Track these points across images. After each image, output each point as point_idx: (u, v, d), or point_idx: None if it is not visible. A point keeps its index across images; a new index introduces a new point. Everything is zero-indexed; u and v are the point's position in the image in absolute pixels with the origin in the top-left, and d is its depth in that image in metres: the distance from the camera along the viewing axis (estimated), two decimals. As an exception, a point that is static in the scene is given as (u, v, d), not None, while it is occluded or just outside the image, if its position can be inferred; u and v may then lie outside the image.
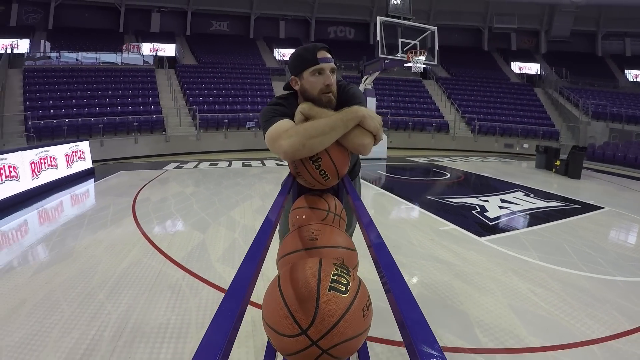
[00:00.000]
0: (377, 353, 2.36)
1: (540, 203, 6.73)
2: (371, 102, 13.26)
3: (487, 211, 6.00)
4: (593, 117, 19.30)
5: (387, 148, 14.29)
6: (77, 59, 19.07)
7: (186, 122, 15.72)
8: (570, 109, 20.64)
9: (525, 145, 18.00)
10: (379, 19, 11.10)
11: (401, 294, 0.63)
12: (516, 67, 27.44)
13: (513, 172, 10.86)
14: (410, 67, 12.60)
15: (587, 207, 6.63)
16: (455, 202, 6.74)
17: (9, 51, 18.09)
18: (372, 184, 8.75)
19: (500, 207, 6.29)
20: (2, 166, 6.18)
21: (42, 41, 20.11)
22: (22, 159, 6.86)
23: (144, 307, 2.90)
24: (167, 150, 14.48)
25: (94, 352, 2.32)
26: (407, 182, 9.35)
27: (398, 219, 5.84)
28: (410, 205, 6.60)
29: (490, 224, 5.34)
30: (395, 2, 11.11)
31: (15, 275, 3.48)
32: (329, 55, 1.52)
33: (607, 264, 3.95)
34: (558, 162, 10.79)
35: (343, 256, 1.19)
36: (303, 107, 1.44)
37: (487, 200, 6.80)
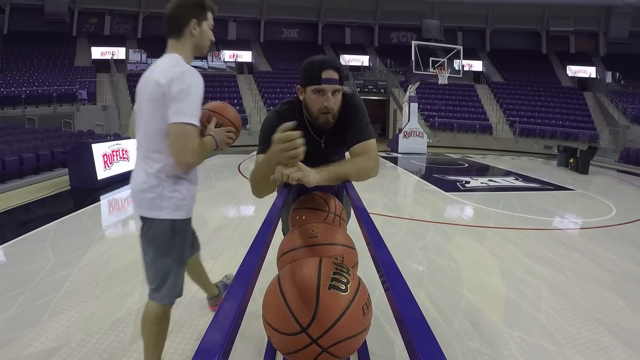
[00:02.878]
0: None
1: (519, 184, 8.54)
2: (414, 107, 16.14)
3: (468, 183, 8.53)
4: (634, 122, 19.87)
5: (433, 146, 17.36)
6: (168, 65, 23.52)
7: (265, 120, 19.40)
8: (613, 113, 21.32)
9: (564, 148, 19.31)
10: (414, 43, 13.97)
11: (400, 293, 0.63)
12: (572, 70, 27.72)
13: (529, 167, 12.16)
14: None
15: (558, 188, 7.97)
16: (451, 178, 9.30)
17: (108, 57, 23.12)
18: (403, 169, 11.48)
19: (482, 183, 8.62)
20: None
21: (139, 50, 24.42)
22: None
23: (263, 203, 6.14)
24: (250, 142, 18.13)
25: (239, 217, 5.62)
26: (428, 168, 11.99)
27: (402, 183, 8.83)
28: (417, 178, 9.48)
29: (462, 188, 7.93)
30: (429, 27, 13.89)
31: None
32: (334, 76, 1.47)
33: (520, 209, 6.00)
34: (572, 160, 11.95)
35: (343, 254, 1.21)
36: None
37: (476, 179, 9.16)
